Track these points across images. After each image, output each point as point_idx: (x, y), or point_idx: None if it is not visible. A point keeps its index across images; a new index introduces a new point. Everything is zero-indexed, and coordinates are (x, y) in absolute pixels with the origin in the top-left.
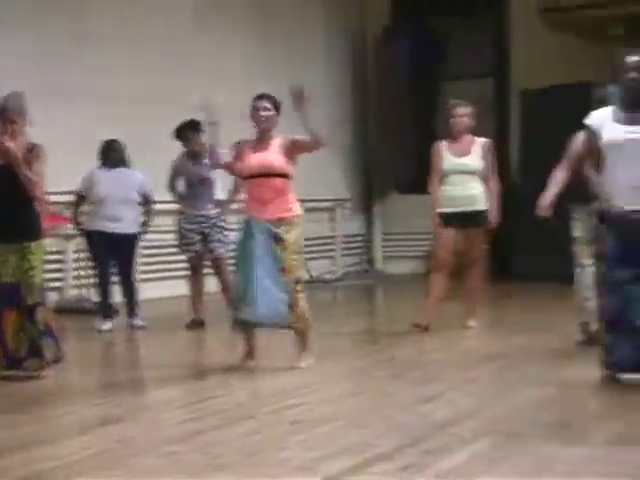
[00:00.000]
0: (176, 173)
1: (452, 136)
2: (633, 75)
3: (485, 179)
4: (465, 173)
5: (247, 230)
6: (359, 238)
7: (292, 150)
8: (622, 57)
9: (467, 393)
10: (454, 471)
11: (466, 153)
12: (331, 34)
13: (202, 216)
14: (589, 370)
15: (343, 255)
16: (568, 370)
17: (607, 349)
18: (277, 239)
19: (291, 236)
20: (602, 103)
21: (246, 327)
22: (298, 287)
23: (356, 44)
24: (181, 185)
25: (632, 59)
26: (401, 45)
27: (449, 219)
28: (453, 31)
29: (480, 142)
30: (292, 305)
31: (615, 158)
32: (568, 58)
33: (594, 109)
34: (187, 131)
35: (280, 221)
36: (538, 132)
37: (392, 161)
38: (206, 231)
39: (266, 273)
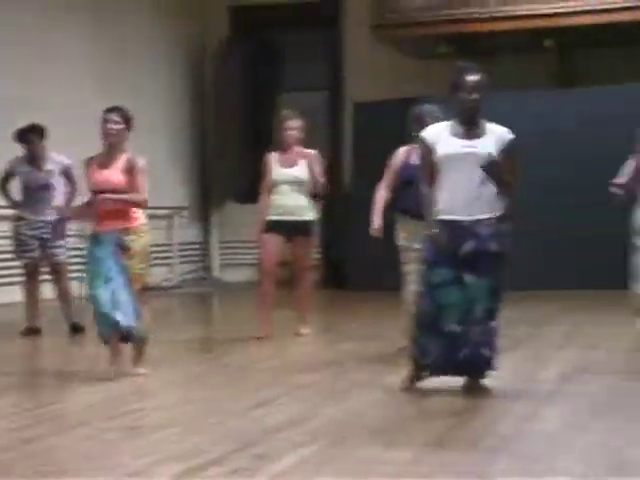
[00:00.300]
0: (9, 175)
1: (283, 148)
2: (474, 96)
3: (311, 190)
4: (293, 183)
5: (94, 242)
6: (196, 246)
7: (130, 172)
8: (460, 74)
9: (299, 398)
10: (282, 474)
11: (294, 164)
12: (172, 44)
13: (42, 221)
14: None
15: (180, 263)
16: (394, 376)
17: (417, 351)
18: (123, 248)
19: (137, 245)
20: (419, 119)
21: (107, 337)
22: (143, 297)
23: (196, 54)
24: (17, 189)
25: (473, 79)
26: (239, 57)
27: (276, 226)
28: (290, 45)
29: (308, 154)
30: (139, 315)
31: (450, 170)
32: (398, 74)
33: (412, 124)
34: (30, 135)
35: (126, 231)
36: (370, 144)
37: (229, 171)
38: (45, 237)
39: (117, 284)
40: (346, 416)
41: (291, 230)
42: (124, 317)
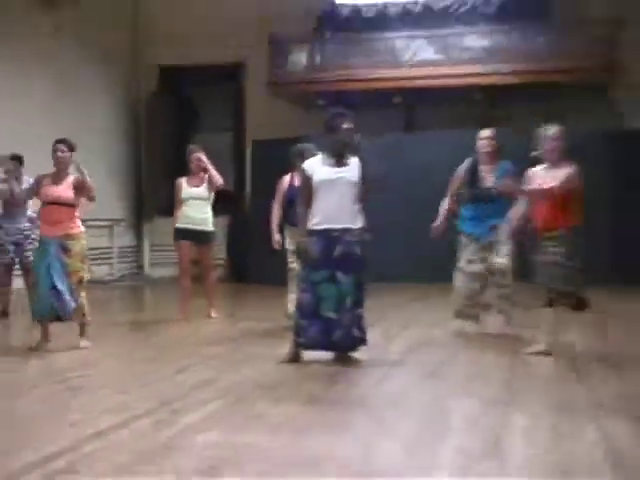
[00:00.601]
0: None
1: (191, 173)
2: (346, 135)
3: (214, 189)
4: (198, 199)
5: (42, 244)
6: (131, 249)
7: (78, 187)
8: (335, 119)
9: (209, 366)
10: (194, 425)
11: (199, 185)
12: (115, 91)
13: (18, 229)
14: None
15: (119, 262)
16: (280, 349)
17: (298, 332)
18: (65, 250)
19: (76, 247)
20: (299, 154)
21: (43, 319)
22: (81, 287)
23: (134, 101)
24: None
25: (345, 123)
26: (166, 104)
27: (184, 234)
28: (205, 96)
29: (211, 177)
30: (76, 301)
31: (325, 191)
32: (286, 119)
33: (295, 158)
34: (10, 163)
35: (67, 237)
36: (265, 173)
37: (156, 191)
38: (20, 242)
39: (57, 277)
40: (244, 379)
41: (196, 237)
42: (59, 303)
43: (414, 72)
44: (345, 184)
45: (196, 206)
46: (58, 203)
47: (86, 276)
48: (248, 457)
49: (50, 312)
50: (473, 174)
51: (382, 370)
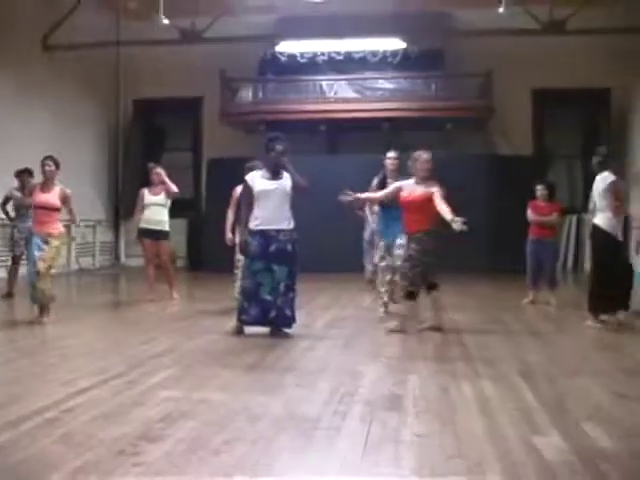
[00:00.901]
0: (7, 199)
1: (152, 184)
2: (281, 156)
3: (170, 197)
4: (157, 205)
5: (31, 237)
6: (111, 243)
7: (63, 200)
8: (272, 142)
9: (170, 337)
10: (157, 384)
11: (158, 194)
12: (99, 119)
13: (27, 228)
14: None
15: (100, 254)
16: (227, 325)
17: (241, 311)
18: (45, 242)
19: (54, 243)
20: (250, 169)
21: (33, 299)
22: (47, 274)
23: (113, 125)
24: (10, 208)
25: (279, 146)
26: (139, 128)
27: (145, 233)
28: (171, 122)
29: (164, 183)
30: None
31: (264, 199)
32: (234, 141)
33: (245, 172)
34: (23, 174)
35: (49, 235)
36: (217, 185)
37: (131, 197)
38: (28, 237)
39: (34, 263)
40: (198, 348)
41: (154, 235)
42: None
43: (336, 107)
44: (279, 194)
45: (155, 210)
46: (45, 207)
47: (54, 268)
48: (200, 409)
49: (32, 293)
50: (382, 186)
51: (308, 342)
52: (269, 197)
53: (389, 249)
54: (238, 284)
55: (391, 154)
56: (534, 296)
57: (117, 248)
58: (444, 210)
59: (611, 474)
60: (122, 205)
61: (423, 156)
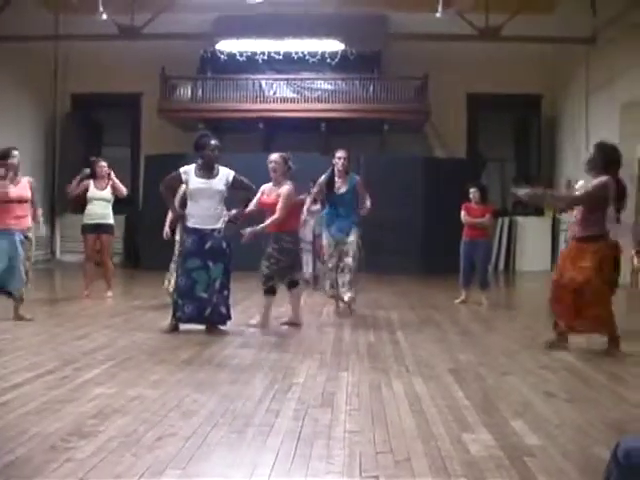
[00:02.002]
0: None
1: (97, 177)
2: (215, 152)
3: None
4: (102, 200)
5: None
6: (46, 239)
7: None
8: (204, 138)
9: (104, 334)
10: (91, 380)
11: (104, 188)
12: (37, 114)
13: None
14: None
15: (36, 249)
16: (162, 321)
17: (177, 308)
18: (27, 238)
19: (32, 237)
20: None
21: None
22: (28, 265)
23: (51, 120)
24: None
25: (214, 142)
26: (77, 123)
27: (89, 228)
28: (110, 117)
29: (112, 181)
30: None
31: (197, 197)
32: (172, 138)
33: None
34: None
35: (28, 229)
36: (154, 182)
37: (66, 192)
38: None
39: (17, 261)
40: (132, 345)
41: (99, 229)
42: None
43: (274, 106)
44: (212, 192)
45: (99, 205)
46: (23, 200)
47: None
48: (134, 405)
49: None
50: (330, 184)
51: (242, 339)
52: (202, 196)
53: (337, 246)
54: (172, 279)
55: (340, 153)
56: (466, 296)
57: (53, 243)
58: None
59: (536, 469)
60: (58, 200)
61: (273, 156)
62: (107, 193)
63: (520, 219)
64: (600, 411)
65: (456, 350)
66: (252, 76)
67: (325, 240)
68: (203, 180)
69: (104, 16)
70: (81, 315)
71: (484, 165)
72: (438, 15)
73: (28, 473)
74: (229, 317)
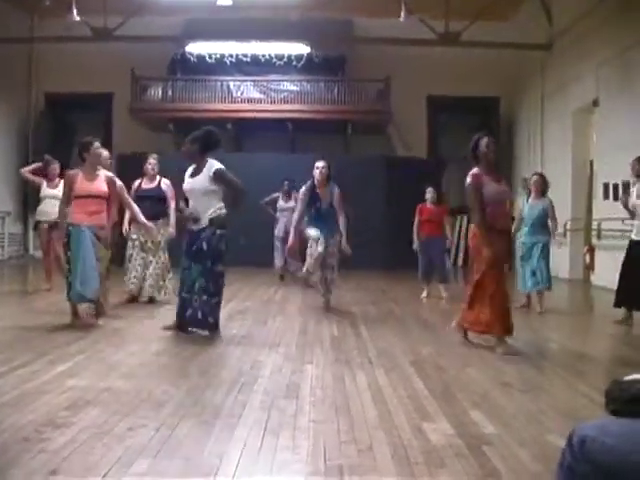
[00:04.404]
0: None
1: (51, 177)
2: (186, 147)
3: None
4: (53, 198)
5: None
6: (19, 235)
7: None
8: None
9: (75, 327)
10: (62, 373)
11: (55, 186)
12: (10, 111)
13: None
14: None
15: (9, 246)
16: (130, 313)
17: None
18: None
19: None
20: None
21: None
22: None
23: (24, 118)
24: None
25: (189, 137)
26: (49, 121)
27: (41, 225)
28: (81, 116)
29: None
30: None
31: (188, 197)
32: (144, 138)
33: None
34: None
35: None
36: (125, 181)
37: (38, 189)
38: None
39: None
40: (103, 337)
41: (52, 227)
42: None
43: (242, 107)
44: (196, 192)
45: (50, 203)
46: None
47: None
48: (105, 397)
49: None
50: (312, 195)
51: (210, 334)
52: (190, 195)
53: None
54: (130, 276)
55: (320, 163)
56: (428, 291)
57: (26, 240)
58: None
59: (493, 456)
60: (30, 196)
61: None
62: (58, 192)
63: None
64: (554, 400)
65: (417, 343)
66: (221, 77)
67: (312, 232)
68: (191, 180)
69: (77, 18)
70: (51, 308)
71: (444, 165)
72: (401, 20)
73: (2, 464)
74: (211, 325)
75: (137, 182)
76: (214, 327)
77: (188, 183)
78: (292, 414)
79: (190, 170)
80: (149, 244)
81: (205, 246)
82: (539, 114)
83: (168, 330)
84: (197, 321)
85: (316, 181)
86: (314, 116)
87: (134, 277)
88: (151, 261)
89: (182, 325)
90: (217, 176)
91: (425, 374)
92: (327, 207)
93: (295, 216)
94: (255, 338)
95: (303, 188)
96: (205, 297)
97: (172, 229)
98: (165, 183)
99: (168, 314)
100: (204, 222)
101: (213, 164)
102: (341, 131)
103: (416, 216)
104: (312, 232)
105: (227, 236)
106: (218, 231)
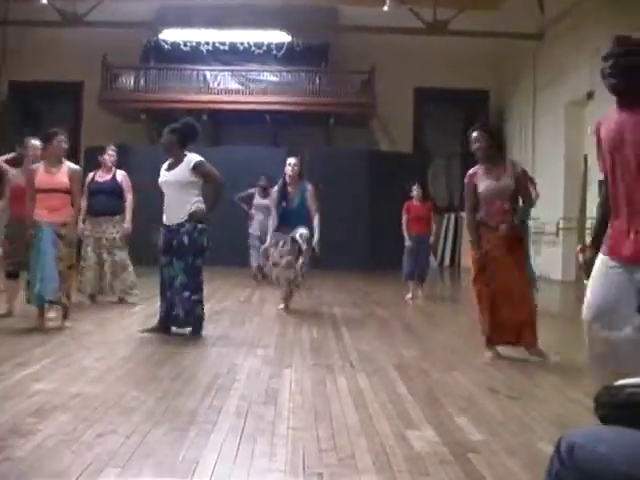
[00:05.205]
0: None
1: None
2: (164, 140)
3: None
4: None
5: None
6: None
7: None
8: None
9: (41, 330)
10: (28, 377)
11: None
12: None
13: None
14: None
15: None
16: (92, 318)
17: (159, 307)
18: None
19: None
20: None
21: None
22: None
23: None
24: None
25: (166, 129)
26: (14, 111)
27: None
28: (50, 106)
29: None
30: None
31: (164, 191)
32: (115, 130)
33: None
34: None
35: None
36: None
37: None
38: None
39: None
40: (71, 341)
41: None
42: None
43: (219, 97)
44: (172, 185)
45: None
46: None
47: None
48: (74, 403)
49: None
50: (283, 193)
51: (184, 336)
52: (167, 189)
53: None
54: (87, 276)
55: (291, 160)
56: (413, 291)
57: None
58: None
59: (480, 464)
60: None
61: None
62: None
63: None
64: (544, 407)
65: (400, 346)
66: (196, 67)
67: (272, 239)
68: (166, 173)
69: (44, 1)
70: (15, 312)
71: (430, 160)
72: (386, 9)
73: None
74: (194, 325)
75: (90, 175)
76: (198, 325)
77: (164, 176)
78: (270, 420)
79: (166, 163)
80: (104, 241)
81: (186, 240)
82: (531, 107)
83: (148, 333)
84: (180, 320)
85: (287, 177)
86: (295, 108)
87: (92, 277)
88: (106, 260)
89: (166, 327)
90: (197, 169)
91: (408, 378)
92: (298, 205)
93: (271, 222)
94: (231, 340)
95: (275, 187)
96: (187, 294)
97: (127, 224)
98: (121, 174)
99: (138, 315)
100: (182, 217)
101: (193, 157)
102: (323, 124)
103: (403, 215)
104: (268, 239)
105: (208, 231)
106: (199, 225)
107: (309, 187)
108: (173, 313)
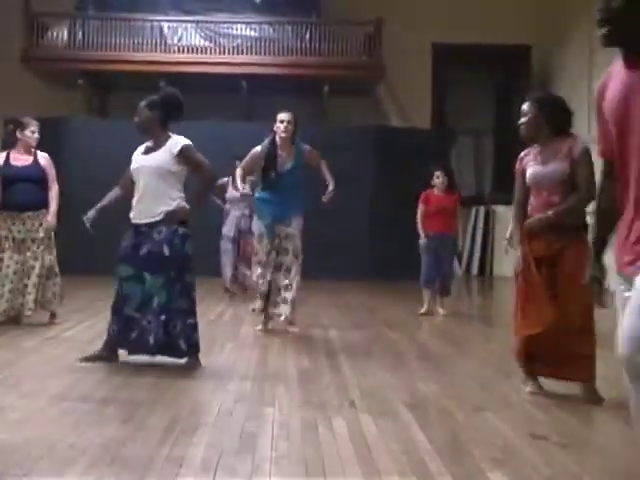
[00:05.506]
0: None
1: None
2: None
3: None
4: None
5: None
6: None
7: None
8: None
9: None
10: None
11: None
12: None
13: None
14: None
15: None
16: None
17: (110, 323)
18: None
19: None
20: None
21: None
22: None
23: None
24: None
25: (142, 102)
26: None
27: None
28: None
29: None
30: None
31: (136, 181)
32: (42, 97)
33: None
34: None
35: None
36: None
37: None
38: None
39: None
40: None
41: None
42: None
43: (180, 57)
44: (148, 172)
45: None
46: None
47: None
48: None
49: None
50: (270, 156)
51: (134, 365)
52: (141, 178)
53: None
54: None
55: (283, 115)
56: (430, 305)
57: None
58: None
59: None
60: None
61: None
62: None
63: (501, 209)
64: (605, 458)
65: (416, 379)
66: (150, 17)
67: (256, 231)
68: (143, 156)
69: None
70: None
71: (454, 138)
72: None
73: None
74: (184, 349)
75: (2, 156)
76: (193, 353)
77: (139, 161)
78: (246, 475)
79: (142, 146)
80: (28, 243)
81: (167, 251)
82: (586, 65)
83: (90, 362)
84: (149, 347)
85: (278, 139)
86: (277, 71)
87: (7, 291)
88: (33, 266)
89: (113, 353)
90: (184, 154)
91: (427, 421)
92: (291, 173)
93: (238, 172)
94: (196, 371)
95: (258, 148)
96: (163, 317)
97: (51, 217)
98: (43, 157)
99: (75, 339)
100: (158, 214)
101: (179, 139)
102: (315, 92)
103: (420, 206)
104: (255, 225)
105: (190, 235)
106: (180, 230)
107: (307, 147)
108: (133, 337)
